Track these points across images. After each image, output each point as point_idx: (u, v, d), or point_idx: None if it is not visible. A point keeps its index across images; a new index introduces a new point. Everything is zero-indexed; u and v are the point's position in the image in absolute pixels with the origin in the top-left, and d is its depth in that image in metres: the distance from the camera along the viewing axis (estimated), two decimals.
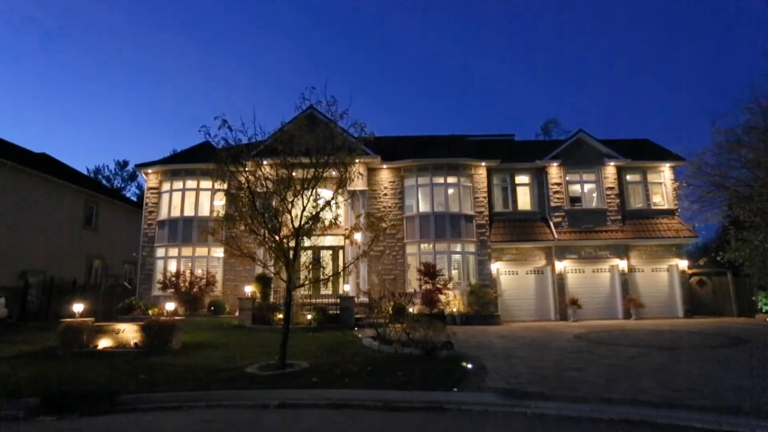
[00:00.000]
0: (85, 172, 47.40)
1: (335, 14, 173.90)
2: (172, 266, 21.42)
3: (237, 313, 18.42)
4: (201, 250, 21.72)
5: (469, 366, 8.94)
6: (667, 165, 23.22)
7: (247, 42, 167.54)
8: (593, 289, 21.66)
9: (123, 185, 53.47)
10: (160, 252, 21.83)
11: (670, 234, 21.69)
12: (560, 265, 21.54)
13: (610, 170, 22.73)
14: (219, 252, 21.48)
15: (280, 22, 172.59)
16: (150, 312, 18.85)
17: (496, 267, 21.53)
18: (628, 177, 23.25)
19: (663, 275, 21.98)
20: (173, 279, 20.42)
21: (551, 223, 22.16)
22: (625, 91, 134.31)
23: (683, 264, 21.70)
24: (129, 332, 11.71)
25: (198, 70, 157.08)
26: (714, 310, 21.32)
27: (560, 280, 21.40)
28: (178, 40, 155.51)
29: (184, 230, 21.62)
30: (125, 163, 54.05)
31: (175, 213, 21.99)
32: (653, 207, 22.95)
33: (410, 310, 18.36)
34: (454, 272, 21.04)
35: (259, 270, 17.83)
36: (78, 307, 12.63)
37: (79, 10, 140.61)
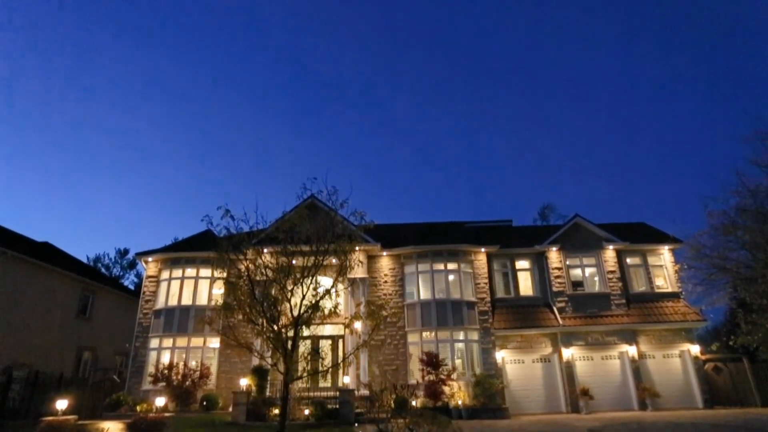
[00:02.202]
0: (85, 260, 47.44)
1: (336, 97, 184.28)
2: (166, 358, 20.65)
3: (230, 408, 17.41)
4: (196, 341, 21.06)
5: None
6: (666, 247, 23.32)
7: (250, 127, 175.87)
8: (604, 377, 20.71)
9: (122, 273, 53.22)
10: (154, 342, 21.16)
11: (678, 318, 21.20)
12: (567, 353, 20.79)
13: (609, 254, 22.78)
14: (215, 342, 20.83)
15: (282, 109, 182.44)
16: (138, 408, 17.83)
17: (501, 355, 20.77)
18: (629, 260, 23.24)
19: (675, 362, 21.13)
20: (165, 372, 19.57)
21: (555, 309, 21.76)
22: (618, 177, 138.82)
23: (695, 349, 20.95)
24: (114, 431, 11.01)
25: (200, 158, 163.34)
26: (734, 400, 20.19)
27: (569, 369, 20.53)
28: (180, 125, 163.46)
29: (180, 319, 21.14)
30: (126, 252, 54.25)
31: (173, 302, 21.65)
32: (657, 290, 22.68)
33: (413, 403, 17.40)
34: (458, 362, 20.24)
35: (255, 361, 17.18)
36: (62, 404, 12.00)
37: (78, 101, 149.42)
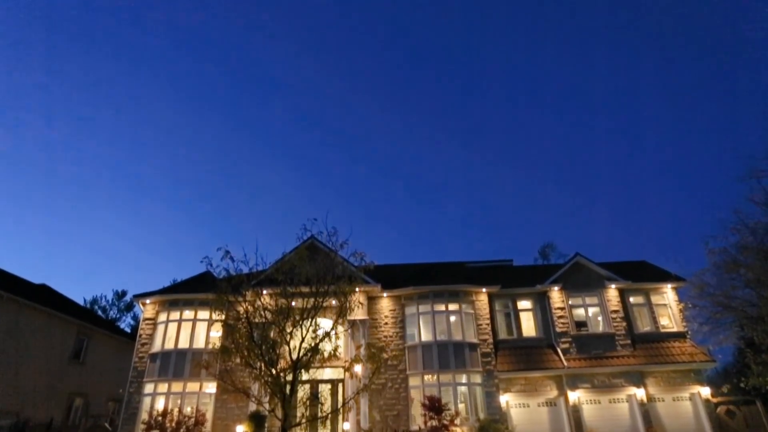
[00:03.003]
0: (82, 302, 46.90)
1: (336, 139, 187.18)
2: (160, 404, 20.01)
3: None
4: (192, 386, 20.49)
5: None
6: (669, 286, 23.10)
7: (251, 170, 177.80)
8: (613, 422, 20.01)
9: (118, 316, 52.44)
10: (148, 388, 20.58)
11: (685, 358, 20.73)
12: (573, 396, 20.19)
13: (612, 293, 22.55)
14: (211, 387, 20.26)
15: (283, 152, 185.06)
16: None
17: (505, 399, 20.16)
18: (631, 299, 22.98)
19: (686, 405, 20.49)
20: (159, 419, 18.90)
21: (559, 350, 21.31)
22: (616, 215, 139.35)
23: (706, 392, 20.36)
24: None
25: (201, 200, 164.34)
26: None
27: (576, 413, 19.88)
28: (181, 170, 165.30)
29: (177, 364, 20.64)
30: (123, 293, 53.68)
31: (169, 345, 21.22)
32: (662, 330, 22.29)
33: None
34: (461, 406, 19.63)
35: (252, 407, 16.65)
36: None
37: (76, 142, 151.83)
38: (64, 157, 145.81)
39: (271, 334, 9.45)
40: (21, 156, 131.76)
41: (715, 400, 20.55)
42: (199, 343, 20.96)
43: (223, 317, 9.90)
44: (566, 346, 21.36)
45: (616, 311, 22.12)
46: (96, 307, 51.24)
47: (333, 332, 9.74)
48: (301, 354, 9.24)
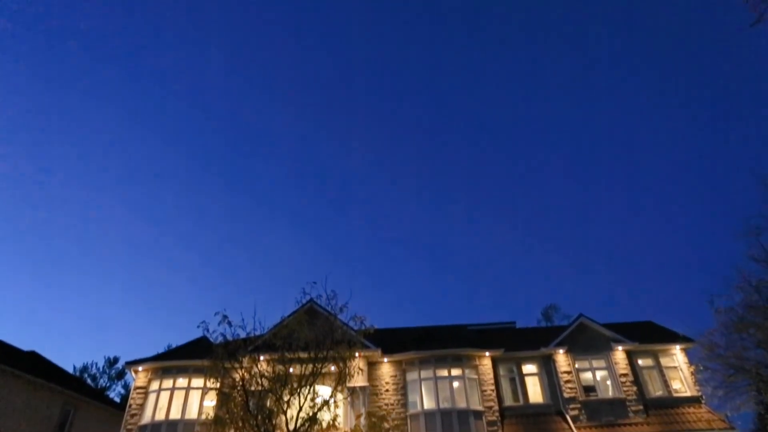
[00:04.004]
0: (71, 369, 45.29)
1: (336, 201, 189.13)
2: None
3: None
4: None
5: None
6: (678, 347, 22.47)
7: (248, 232, 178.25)
8: None
9: (109, 384, 50.41)
10: None
11: (702, 425, 19.71)
12: None
13: (619, 355, 21.90)
14: None
15: (281, 213, 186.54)
16: None
17: None
18: (640, 362, 22.27)
19: None
20: None
21: (568, 417, 20.34)
22: (618, 275, 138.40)
23: None
24: None
25: (197, 263, 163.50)
26: None
27: None
28: (179, 229, 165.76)
29: None
30: (115, 360, 51.91)
31: (160, 416, 20.22)
32: (675, 394, 21.40)
33: None
34: None
35: None
36: None
37: (72, 198, 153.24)
38: (53, 214, 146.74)
39: (268, 403, 9.05)
40: (8, 215, 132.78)
41: None
42: (192, 414, 19.99)
43: (218, 385, 9.53)
44: (575, 413, 20.42)
45: (625, 375, 21.37)
46: (86, 375, 49.41)
47: (332, 400, 9.34)
48: (298, 424, 8.81)
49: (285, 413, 8.99)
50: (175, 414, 20.09)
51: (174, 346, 25.28)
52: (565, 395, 20.92)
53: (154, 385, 21.08)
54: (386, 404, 20.27)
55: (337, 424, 9.67)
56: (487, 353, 21.56)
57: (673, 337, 22.96)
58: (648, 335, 23.50)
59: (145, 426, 20.06)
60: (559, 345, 22.07)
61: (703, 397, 20.97)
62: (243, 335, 9.75)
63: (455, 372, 20.95)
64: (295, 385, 9.23)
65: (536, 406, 21.28)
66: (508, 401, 21.41)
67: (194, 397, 20.56)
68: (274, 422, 8.95)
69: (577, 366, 21.77)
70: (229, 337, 9.53)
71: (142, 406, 20.71)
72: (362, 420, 10.03)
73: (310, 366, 9.35)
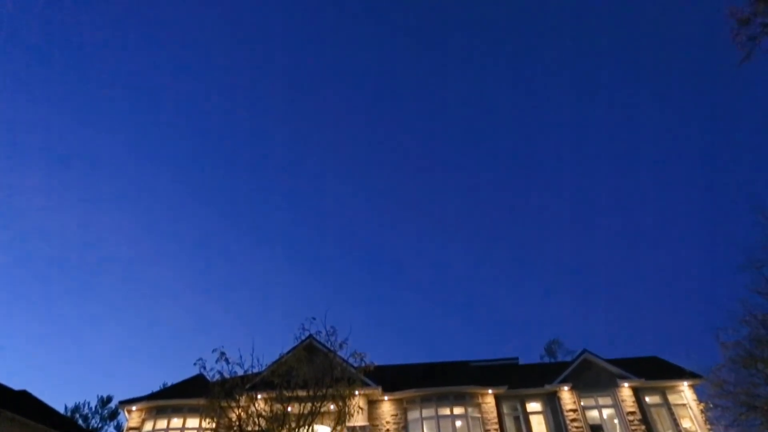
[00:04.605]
0: (63, 409, 43.98)
1: (336, 236, 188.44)
2: None
3: None
4: None
5: None
6: (686, 383, 21.93)
7: (247, 266, 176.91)
8: None
9: (100, 425, 48.76)
10: None
11: None
12: None
13: (626, 392, 21.35)
14: None
15: (281, 247, 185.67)
16: None
17: None
18: (648, 399, 21.68)
19: None
20: None
21: None
22: (620, 309, 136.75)
23: None
24: None
25: (193, 297, 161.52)
26: None
27: None
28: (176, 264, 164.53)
29: None
30: (108, 399, 50.38)
31: None
32: None
33: None
34: None
35: None
36: None
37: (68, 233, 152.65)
38: (43, 251, 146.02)
39: None
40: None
41: None
42: None
43: (214, 425, 9.23)
44: None
45: (632, 413, 20.77)
46: (77, 415, 47.98)
47: None
48: None
49: None
50: None
51: (170, 384, 24.67)
52: None
53: (148, 426, 20.45)
54: None
55: None
56: (491, 390, 21.05)
57: (680, 373, 22.43)
58: (654, 371, 22.99)
59: None
60: (564, 381, 21.56)
61: None
62: (240, 373, 9.52)
63: (458, 410, 20.38)
64: (294, 424, 8.95)
65: None
66: None
67: None
68: None
69: (582, 404, 21.20)
70: (227, 375, 9.30)
71: None
72: None
73: (309, 405, 9.09)
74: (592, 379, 21.78)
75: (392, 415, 20.61)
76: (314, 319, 9.77)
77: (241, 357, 9.55)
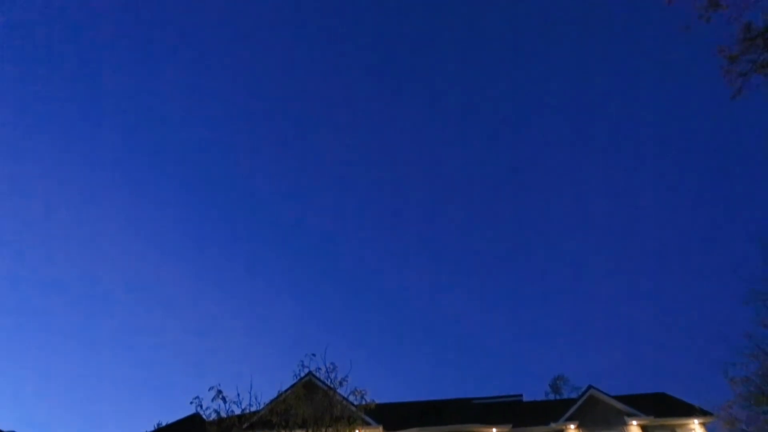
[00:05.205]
0: None
1: (337, 272, 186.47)
2: None
3: None
4: None
5: None
6: (696, 421, 21.29)
7: (245, 301, 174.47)
8: None
9: None
10: None
11: None
12: None
13: (634, 430, 20.73)
14: None
15: (279, 282, 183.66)
16: None
17: None
18: None
19: None
20: None
21: None
22: (625, 345, 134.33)
23: None
24: None
25: (190, 332, 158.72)
26: None
27: None
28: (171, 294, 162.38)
29: None
30: None
31: None
32: None
33: None
34: None
35: None
36: None
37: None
38: (41, 291, 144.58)
39: None
40: None
41: None
42: None
43: None
44: None
45: None
46: None
47: None
48: None
49: None
50: None
51: (164, 424, 23.98)
52: None
53: None
54: None
55: None
56: (494, 429, 20.55)
57: (690, 411, 21.84)
58: (663, 408, 22.40)
59: None
60: (570, 420, 20.97)
61: None
62: (238, 411, 9.27)
63: None
64: None
65: None
66: None
67: None
68: None
69: None
70: (223, 414, 9.05)
71: None
72: None
73: None
74: (599, 416, 21.20)
75: None
76: (314, 355, 9.61)
77: (238, 395, 9.32)
